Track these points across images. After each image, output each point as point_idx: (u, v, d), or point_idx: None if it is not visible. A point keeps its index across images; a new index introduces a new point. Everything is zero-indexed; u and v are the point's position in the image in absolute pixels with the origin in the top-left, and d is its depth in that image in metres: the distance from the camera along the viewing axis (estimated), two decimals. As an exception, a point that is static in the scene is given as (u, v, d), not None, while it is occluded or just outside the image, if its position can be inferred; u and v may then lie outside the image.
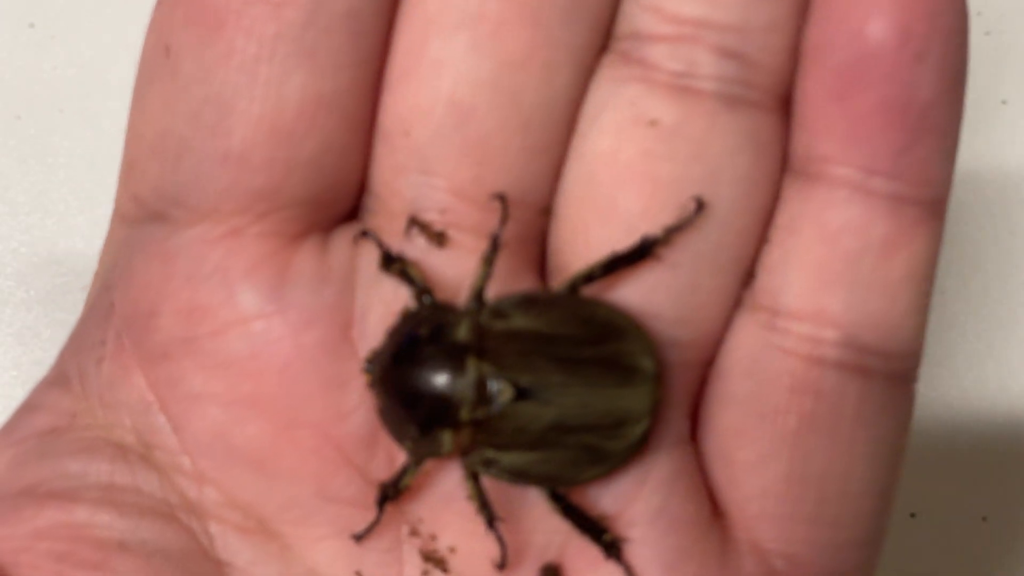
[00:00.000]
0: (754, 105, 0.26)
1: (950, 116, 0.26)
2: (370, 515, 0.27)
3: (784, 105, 0.27)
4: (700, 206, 0.26)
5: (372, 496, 0.27)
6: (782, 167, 0.27)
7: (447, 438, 0.26)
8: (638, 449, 0.26)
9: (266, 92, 0.25)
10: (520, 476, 0.26)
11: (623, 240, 0.26)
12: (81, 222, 0.48)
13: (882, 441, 0.27)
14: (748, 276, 0.27)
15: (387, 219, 0.27)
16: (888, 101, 0.25)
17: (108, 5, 0.50)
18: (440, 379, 0.25)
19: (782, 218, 0.27)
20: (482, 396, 0.25)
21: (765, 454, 0.26)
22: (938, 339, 0.48)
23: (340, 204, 0.28)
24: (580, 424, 0.26)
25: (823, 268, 0.26)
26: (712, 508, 0.27)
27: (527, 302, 0.26)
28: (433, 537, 0.27)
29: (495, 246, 0.26)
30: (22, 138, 0.49)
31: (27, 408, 0.29)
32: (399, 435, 0.26)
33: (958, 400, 0.48)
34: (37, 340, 0.47)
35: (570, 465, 0.26)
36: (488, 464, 0.26)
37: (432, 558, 0.27)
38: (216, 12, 0.25)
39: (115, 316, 0.28)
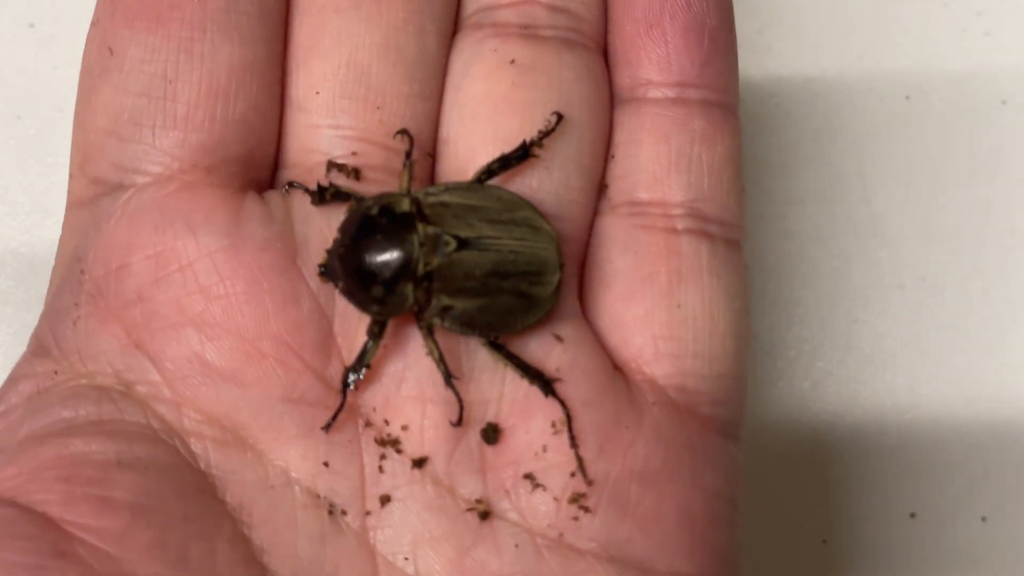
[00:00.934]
0: (585, 47, 0.35)
1: (730, 37, 0.35)
2: (331, 413, 0.32)
3: (604, 50, 0.35)
4: (560, 117, 0.34)
5: (331, 397, 0.32)
6: (611, 98, 0.35)
7: (409, 291, 0.31)
8: (556, 297, 0.33)
9: (202, 63, 0.32)
10: (469, 324, 0.32)
11: None
12: (81, 222, 0.48)
13: (730, 290, 0.34)
14: (602, 187, 0.35)
15: (306, 179, 0.33)
16: (688, 27, 0.34)
17: (108, 5, 0.50)
18: (397, 241, 0.31)
19: (621, 136, 0.35)
20: (432, 249, 0.32)
21: (649, 308, 0.33)
22: (938, 339, 0.49)
23: (262, 170, 0.34)
24: (513, 271, 0.32)
25: (664, 161, 0.34)
26: (612, 364, 0.34)
27: (448, 188, 0.33)
28: (386, 422, 0.32)
29: (409, 157, 0.33)
30: (22, 138, 0.49)
31: (10, 381, 0.32)
32: (366, 303, 0.32)
33: (958, 400, 0.48)
34: (37, 340, 0.47)
35: (508, 313, 0.32)
36: (444, 312, 0.32)
37: (386, 442, 0.32)
38: (153, 10, 0.32)
39: (86, 281, 0.32)
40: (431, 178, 0.34)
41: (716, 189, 0.34)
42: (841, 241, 0.49)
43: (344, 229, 0.32)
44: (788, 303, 0.49)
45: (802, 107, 0.50)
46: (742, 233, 0.35)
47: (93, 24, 0.34)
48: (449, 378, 0.32)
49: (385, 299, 0.31)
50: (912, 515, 0.47)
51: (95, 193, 0.33)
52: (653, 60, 0.34)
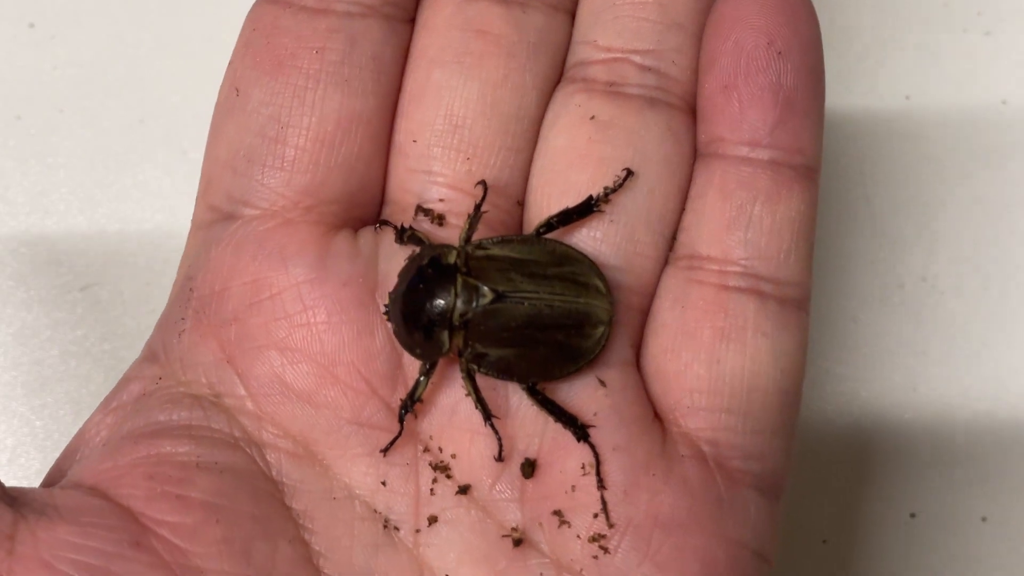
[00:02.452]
0: (671, 106, 0.36)
1: (812, 100, 0.35)
2: (392, 438, 0.34)
3: (693, 109, 0.36)
4: (629, 173, 0.35)
5: (394, 423, 0.34)
6: (694, 155, 0.36)
7: (445, 337, 0.34)
8: (601, 349, 0.34)
9: (312, 110, 0.35)
10: (505, 371, 0.34)
11: None
12: (81, 222, 0.48)
13: (778, 348, 0.35)
14: (672, 239, 0.36)
15: (401, 216, 0.36)
16: (763, 88, 0.35)
17: (108, 5, 0.50)
18: (436, 291, 0.34)
19: (694, 190, 0.36)
20: (469, 300, 0.34)
21: (688, 362, 0.35)
22: (938, 339, 0.49)
23: (365, 208, 0.36)
24: (550, 323, 0.34)
25: (724, 218, 0.35)
26: (653, 413, 0.35)
27: (502, 240, 0.35)
28: (440, 450, 0.35)
29: (478, 209, 0.35)
30: (22, 138, 0.49)
31: (124, 381, 0.36)
32: (410, 345, 0.34)
33: (958, 400, 0.48)
34: (37, 340, 0.47)
35: (546, 362, 0.34)
36: (479, 358, 0.34)
37: (440, 467, 0.34)
38: (276, 57, 0.35)
39: (194, 299, 0.36)
40: (520, 226, 0.36)
41: (774, 248, 0.35)
42: (841, 241, 0.49)
43: (400, 276, 0.34)
44: (788, 303, 0.49)
45: (802, 107, 0.50)
46: (804, 293, 0.36)
47: (229, 65, 0.37)
48: (488, 418, 0.34)
49: (424, 343, 0.34)
50: (912, 515, 0.47)
51: (211, 219, 0.36)
52: (726, 118, 0.35)
